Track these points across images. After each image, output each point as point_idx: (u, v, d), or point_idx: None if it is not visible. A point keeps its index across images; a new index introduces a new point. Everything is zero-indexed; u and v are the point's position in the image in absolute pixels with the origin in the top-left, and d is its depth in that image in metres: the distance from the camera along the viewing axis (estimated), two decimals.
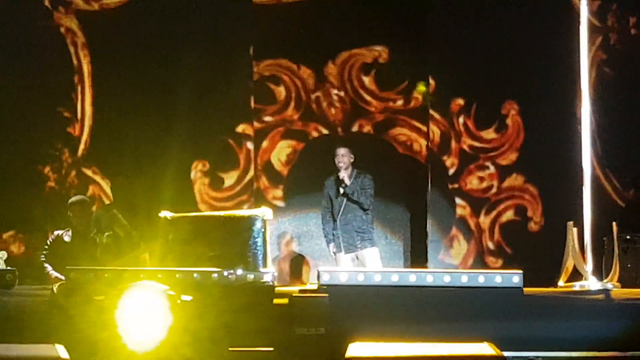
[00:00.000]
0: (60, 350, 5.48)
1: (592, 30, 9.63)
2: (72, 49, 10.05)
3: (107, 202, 9.39)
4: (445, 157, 9.94)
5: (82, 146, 9.95)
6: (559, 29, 9.22)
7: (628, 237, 8.81)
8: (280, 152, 10.14)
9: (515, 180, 10.00)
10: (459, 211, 9.91)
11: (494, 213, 9.98)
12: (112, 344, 5.31)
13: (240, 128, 9.97)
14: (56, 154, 9.89)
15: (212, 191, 9.93)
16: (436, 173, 10.05)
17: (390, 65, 10.21)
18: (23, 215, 9.88)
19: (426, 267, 9.50)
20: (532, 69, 9.94)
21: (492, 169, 9.99)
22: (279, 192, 9.93)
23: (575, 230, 7.16)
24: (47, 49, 10.10)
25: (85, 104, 10.03)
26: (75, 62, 10.00)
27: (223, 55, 9.94)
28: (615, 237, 8.15)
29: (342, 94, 10.07)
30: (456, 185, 9.98)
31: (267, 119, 10.15)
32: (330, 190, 8.74)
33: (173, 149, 9.58)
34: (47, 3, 9.98)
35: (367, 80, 10.07)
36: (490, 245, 9.95)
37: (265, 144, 10.07)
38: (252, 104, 10.05)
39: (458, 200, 9.92)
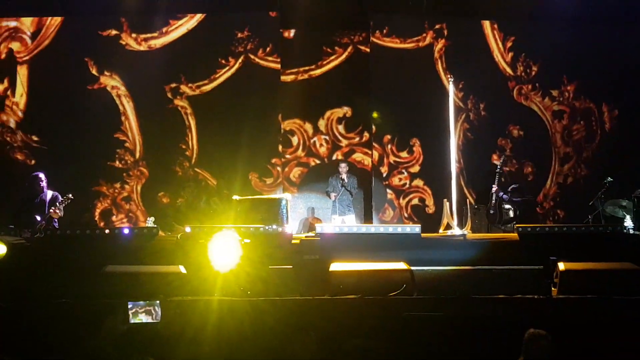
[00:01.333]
0: (181, 268, 6.76)
1: (459, 109, 11.15)
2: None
3: (208, 183, 10.68)
4: (381, 168, 11.73)
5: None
6: (441, 102, 10.36)
7: (476, 207, 10.30)
8: (295, 173, 12.21)
9: (418, 182, 11.56)
10: (388, 196, 11.54)
11: (407, 199, 11.46)
12: (208, 266, 6.49)
13: (273, 160, 11.93)
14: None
15: (261, 185, 11.42)
16: (376, 176, 11.80)
17: (352, 118, 12.25)
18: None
19: (371, 224, 11.40)
20: (428, 123, 11.44)
21: (405, 174, 11.59)
22: (295, 190, 11.41)
23: (448, 203, 8.94)
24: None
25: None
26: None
27: (264, 118, 11.90)
28: (468, 206, 9.73)
29: (327, 137, 11.95)
30: (387, 182, 11.59)
31: (288, 156, 12.27)
32: (335, 182, 10.40)
33: (239, 165, 11.19)
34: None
35: (340, 127, 12.02)
36: (406, 215, 11.46)
37: (286, 169, 12.14)
38: (280, 148, 12.00)
39: (388, 190, 11.49)
